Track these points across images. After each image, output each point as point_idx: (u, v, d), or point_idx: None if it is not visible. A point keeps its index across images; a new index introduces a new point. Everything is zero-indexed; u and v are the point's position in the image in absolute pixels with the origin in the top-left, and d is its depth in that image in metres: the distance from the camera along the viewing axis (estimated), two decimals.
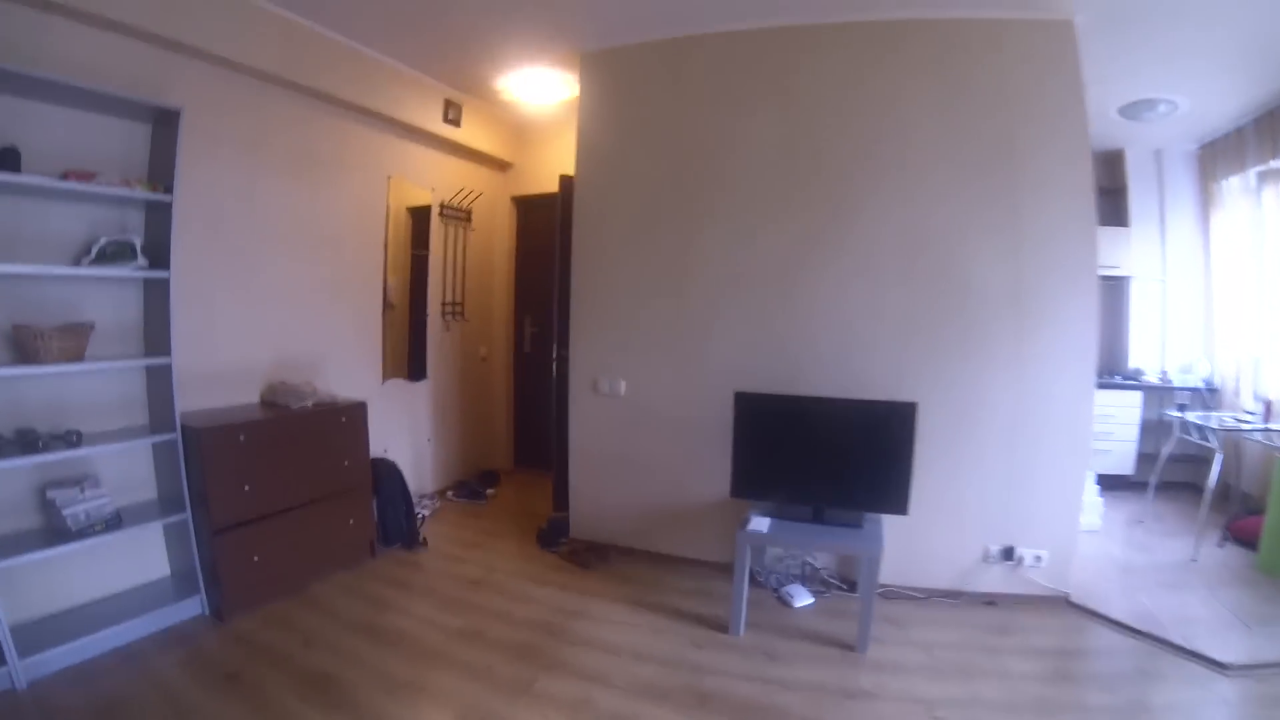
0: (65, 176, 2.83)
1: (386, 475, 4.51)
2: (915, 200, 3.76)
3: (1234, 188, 5.31)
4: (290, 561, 3.74)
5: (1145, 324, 5.96)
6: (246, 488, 3.43)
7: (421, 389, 5.42)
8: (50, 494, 2.94)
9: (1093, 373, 3.64)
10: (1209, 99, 4.65)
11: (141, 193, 3.08)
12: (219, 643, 3.21)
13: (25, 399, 2.92)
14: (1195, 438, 4.62)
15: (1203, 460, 4.80)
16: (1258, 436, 4.28)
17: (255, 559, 3.50)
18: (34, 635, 2.85)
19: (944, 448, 3.77)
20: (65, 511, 2.91)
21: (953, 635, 3.52)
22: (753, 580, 3.67)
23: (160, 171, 3.19)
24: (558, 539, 4.72)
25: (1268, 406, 4.22)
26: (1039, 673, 3.16)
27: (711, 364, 4.19)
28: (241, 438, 3.42)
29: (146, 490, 3.38)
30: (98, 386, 3.15)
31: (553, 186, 4.89)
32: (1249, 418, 4.41)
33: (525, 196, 6.26)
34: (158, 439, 3.24)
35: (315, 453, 3.87)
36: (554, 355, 4.89)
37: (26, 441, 2.80)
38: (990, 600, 3.83)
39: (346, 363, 4.61)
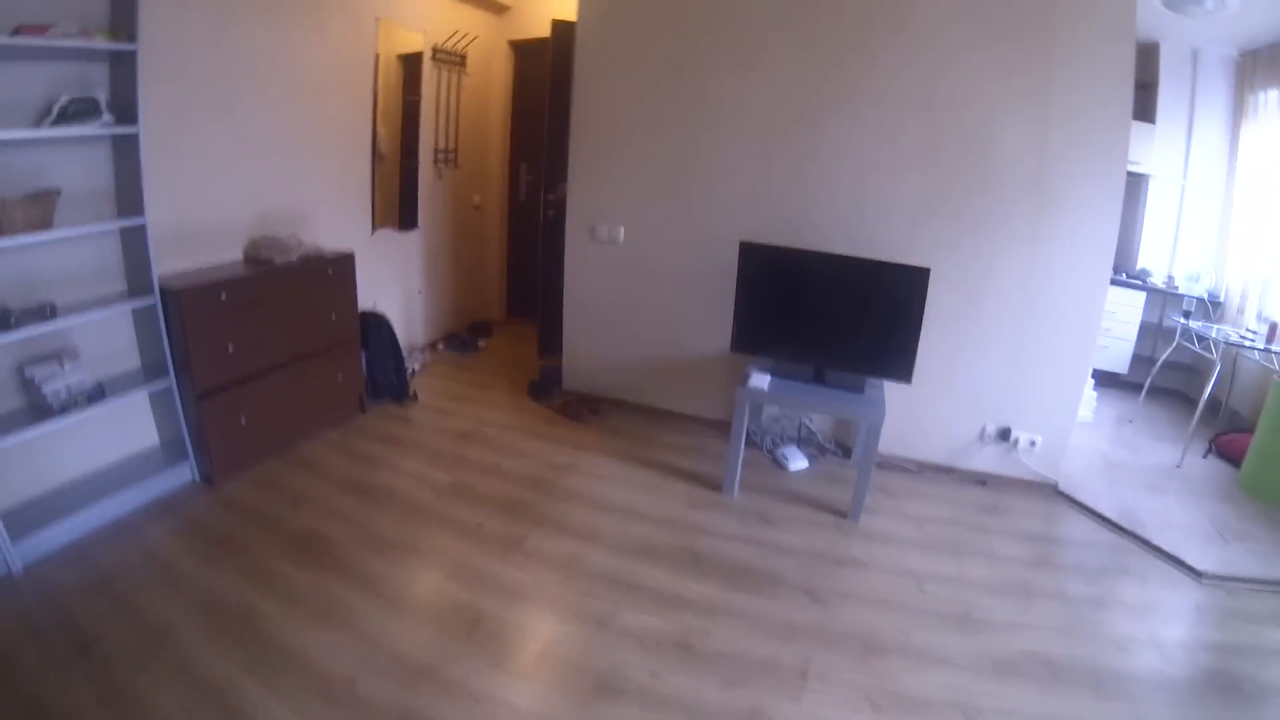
0: (17, 31, 2.50)
1: (375, 329, 4.41)
2: (939, 54, 3.52)
3: (1270, 101, 5.08)
4: (278, 421, 3.67)
5: (1158, 226, 5.81)
6: (231, 349, 3.30)
7: (412, 239, 5.25)
8: (29, 372, 2.79)
9: (1108, 267, 3.55)
10: (1262, 2, 4.41)
11: (102, 43, 2.75)
12: (209, 508, 3.19)
13: None
14: (1195, 347, 4.61)
15: (1197, 371, 4.83)
16: (1257, 356, 4.27)
17: (242, 421, 3.42)
18: (25, 518, 2.77)
19: (950, 322, 3.72)
20: (46, 388, 2.78)
21: (944, 511, 3.59)
22: (748, 441, 3.65)
23: (122, 19, 2.84)
24: (550, 391, 4.70)
25: (1272, 328, 4.18)
26: (1024, 557, 3.23)
27: (716, 212, 4.05)
28: (223, 296, 3.25)
29: (128, 359, 3.24)
30: (69, 255, 2.91)
31: None
32: (1251, 336, 4.39)
33: (523, 41, 5.89)
34: (136, 304, 3.05)
35: (301, 308, 3.73)
36: (542, 199, 4.77)
37: None
38: (982, 480, 3.89)
39: (334, 214, 4.39)
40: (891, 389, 3.58)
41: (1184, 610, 2.94)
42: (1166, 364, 4.96)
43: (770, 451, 4.05)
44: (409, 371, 4.73)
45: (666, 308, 4.29)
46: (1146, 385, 5.04)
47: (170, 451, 3.36)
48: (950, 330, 3.73)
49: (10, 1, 2.56)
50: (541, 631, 2.65)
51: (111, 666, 2.21)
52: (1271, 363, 4.09)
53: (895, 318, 3.45)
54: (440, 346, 5.63)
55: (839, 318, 3.61)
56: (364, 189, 4.65)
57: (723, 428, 3.80)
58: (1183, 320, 4.75)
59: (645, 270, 4.29)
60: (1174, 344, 4.82)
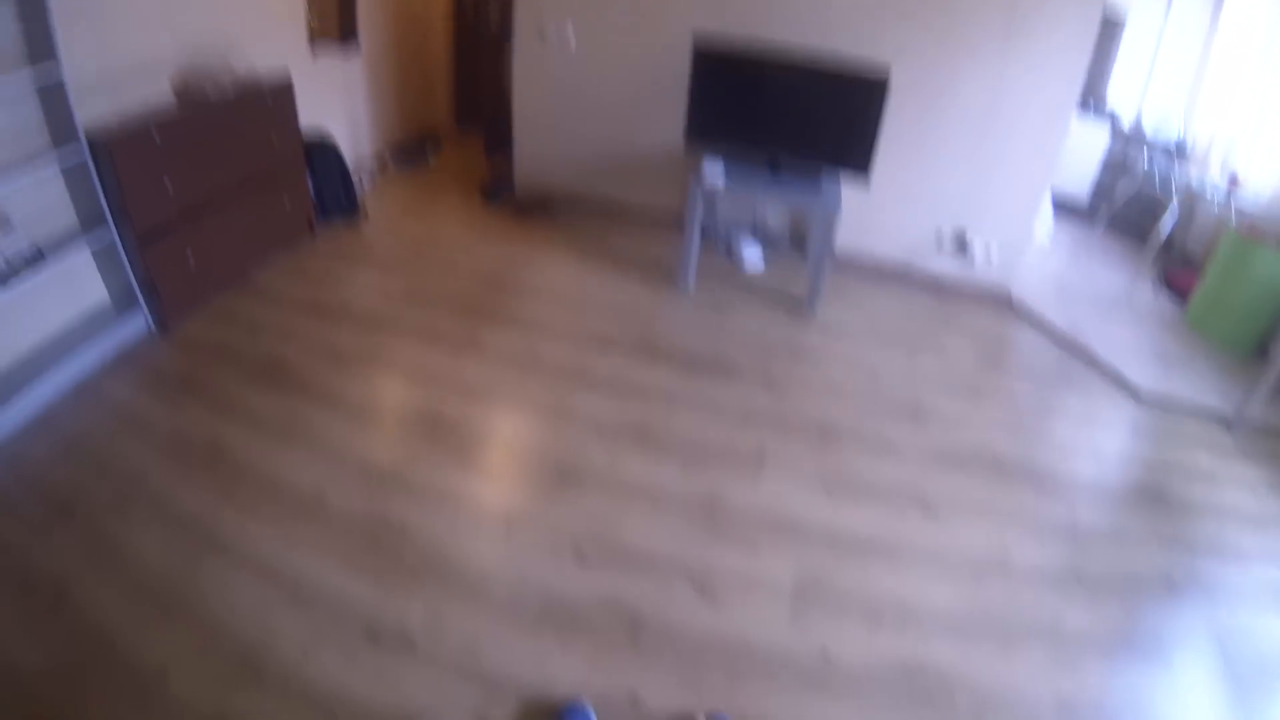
0: None
1: (320, 150, 4.16)
2: None
3: None
4: (227, 255, 3.49)
5: (1132, 63, 5.69)
6: (169, 188, 3.05)
7: (353, 51, 4.83)
8: None
9: (1074, 94, 3.49)
10: None
11: None
12: (167, 353, 3.06)
13: None
14: (1156, 188, 4.62)
15: (1155, 212, 4.84)
16: (1216, 205, 4.30)
17: (190, 260, 3.22)
18: None
19: (910, 123, 3.67)
20: None
21: (898, 310, 3.68)
22: (703, 237, 3.61)
23: None
24: (501, 193, 4.58)
25: (1233, 179, 4.19)
26: (974, 357, 3.34)
27: (668, 5, 3.83)
28: (156, 138, 2.97)
29: (64, 217, 2.94)
30: None
31: None
32: (1212, 184, 4.40)
33: None
34: (63, 159, 2.75)
35: (240, 138, 3.46)
36: None
37: None
38: (936, 285, 3.94)
39: (266, 33, 3.96)
40: (848, 187, 3.54)
41: (1122, 424, 3.05)
42: (1126, 200, 4.98)
43: (725, 246, 4.03)
44: (358, 188, 4.50)
45: (617, 102, 4.12)
46: (1104, 218, 5.07)
47: (121, 303, 3.17)
48: (909, 132, 3.68)
49: None
50: (501, 426, 2.68)
51: (92, 522, 2.18)
52: (1228, 212, 4.11)
53: (855, 112, 3.33)
54: (389, 162, 5.35)
55: (796, 110, 3.47)
56: (298, 6, 4.21)
57: (677, 221, 3.74)
58: (1146, 164, 4.72)
59: (596, 67, 4.09)
60: (1137, 185, 4.81)
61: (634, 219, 4.30)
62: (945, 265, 3.92)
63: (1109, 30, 5.34)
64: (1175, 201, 4.28)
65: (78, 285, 3.02)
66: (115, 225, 2.92)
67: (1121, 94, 5.72)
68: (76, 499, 2.25)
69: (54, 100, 2.70)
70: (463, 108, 6.20)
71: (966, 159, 3.68)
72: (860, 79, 3.26)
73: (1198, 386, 3.30)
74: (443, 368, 2.93)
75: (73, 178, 2.86)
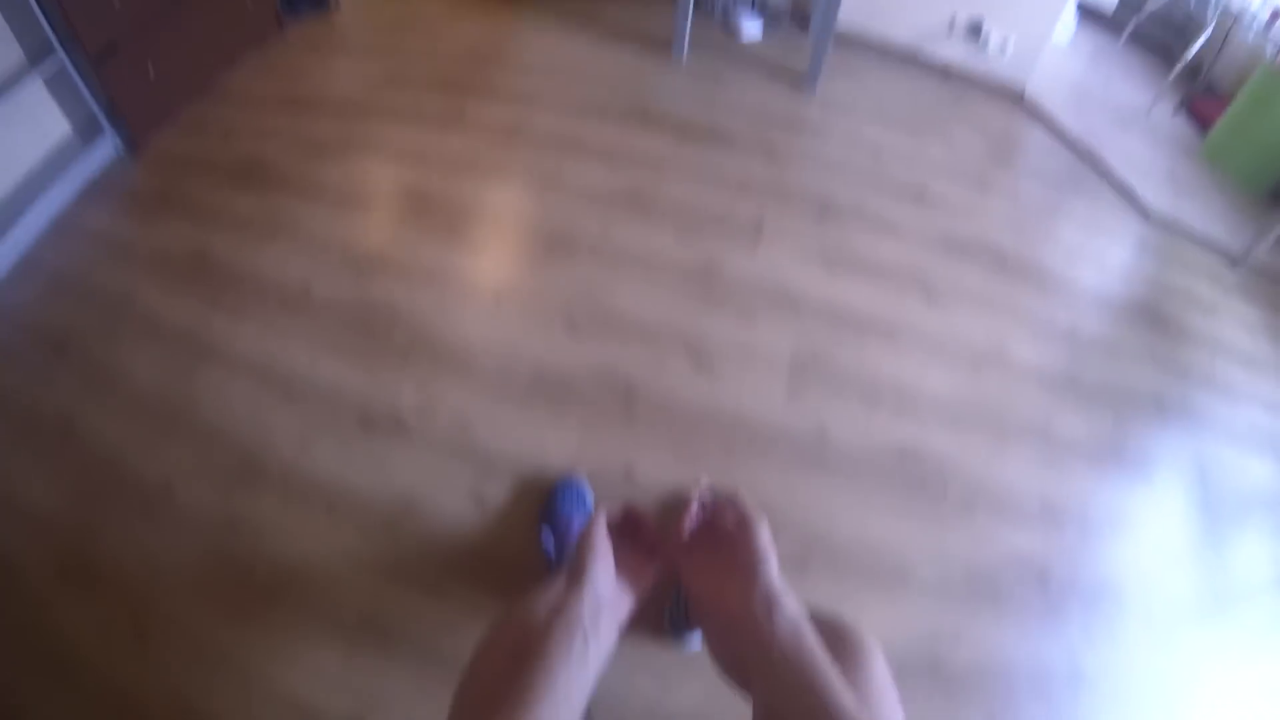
0: None
1: None
2: None
3: None
4: (190, 62, 3.10)
5: None
6: (115, 1, 2.65)
7: None
8: None
9: None
10: None
11: None
12: (140, 173, 2.81)
13: None
14: (1191, 4, 4.30)
15: (1186, 31, 4.55)
16: (1253, 33, 4.00)
17: (150, 73, 2.86)
18: None
19: None
20: None
21: (905, 93, 3.44)
22: (697, 5, 3.27)
23: None
24: None
25: (1276, 12, 3.88)
26: (982, 150, 3.16)
27: None
28: None
29: (7, 54, 2.59)
30: None
31: None
32: (1254, 12, 4.08)
33: None
34: None
35: None
36: None
37: None
38: (946, 72, 3.66)
39: None
40: None
41: (1128, 239, 2.94)
42: (1155, 14, 4.65)
43: (722, 18, 3.68)
44: None
45: None
46: (1129, 28, 4.75)
47: (85, 132, 2.86)
48: None
49: None
50: (489, 199, 2.55)
51: (87, 354, 2.11)
52: (1265, 44, 3.83)
53: None
54: None
55: None
56: None
57: None
58: None
59: None
60: None
61: None
62: (957, 52, 3.60)
63: None
64: (1209, 22, 3.97)
65: (37, 122, 2.77)
66: (64, 49, 2.64)
67: None
68: (69, 335, 2.18)
69: None
70: None
71: None
72: None
73: (1207, 217, 3.16)
74: (428, 146, 2.74)
75: (7, 5, 2.54)
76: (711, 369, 2.01)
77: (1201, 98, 4.14)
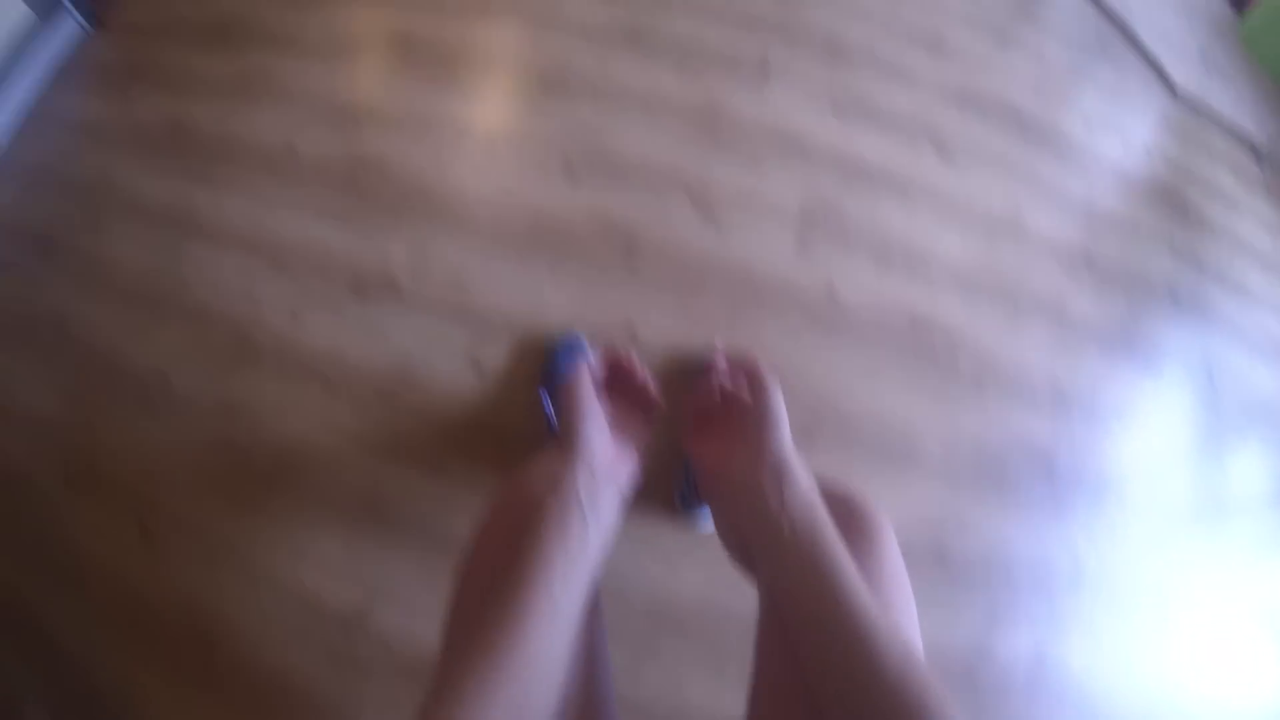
0: None
1: None
2: None
3: None
4: None
5: None
6: None
7: None
8: None
9: None
10: None
11: None
12: (108, 48, 2.57)
13: None
14: None
15: None
16: None
17: None
18: None
19: None
20: None
21: None
22: None
23: None
24: None
25: None
26: (1005, 3, 2.91)
27: None
28: None
29: None
30: None
31: None
32: None
33: None
34: None
35: None
36: None
37: None
38: None
39: None
40: None
41: (1152, 114, 2.76)
42: None
43: None
44: None
45: None
46: None
47: (44, 11, 2.57)
48: None
49: None
50: (479, 39, 2.34)
51: (74, 249, 2.04)
52: None
53: None
54: None
55: None
56: None
57: None
58: None
59: None
60: None
61: None
62: None
63: None
64: None
65: None
66: None
67: None
68: (53, 231, 2.10)
69: None
70: None
71: None
72: None
73: (1236, 105, 2.97)
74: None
75: None
76: (716, 218, 1.87)
77: None
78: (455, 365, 1.65)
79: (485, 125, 2.09)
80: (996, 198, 2.12)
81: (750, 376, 0.76)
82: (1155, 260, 2.20)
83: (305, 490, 1.54)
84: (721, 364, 0.79)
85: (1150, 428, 1.84)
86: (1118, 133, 2.56)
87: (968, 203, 2.08)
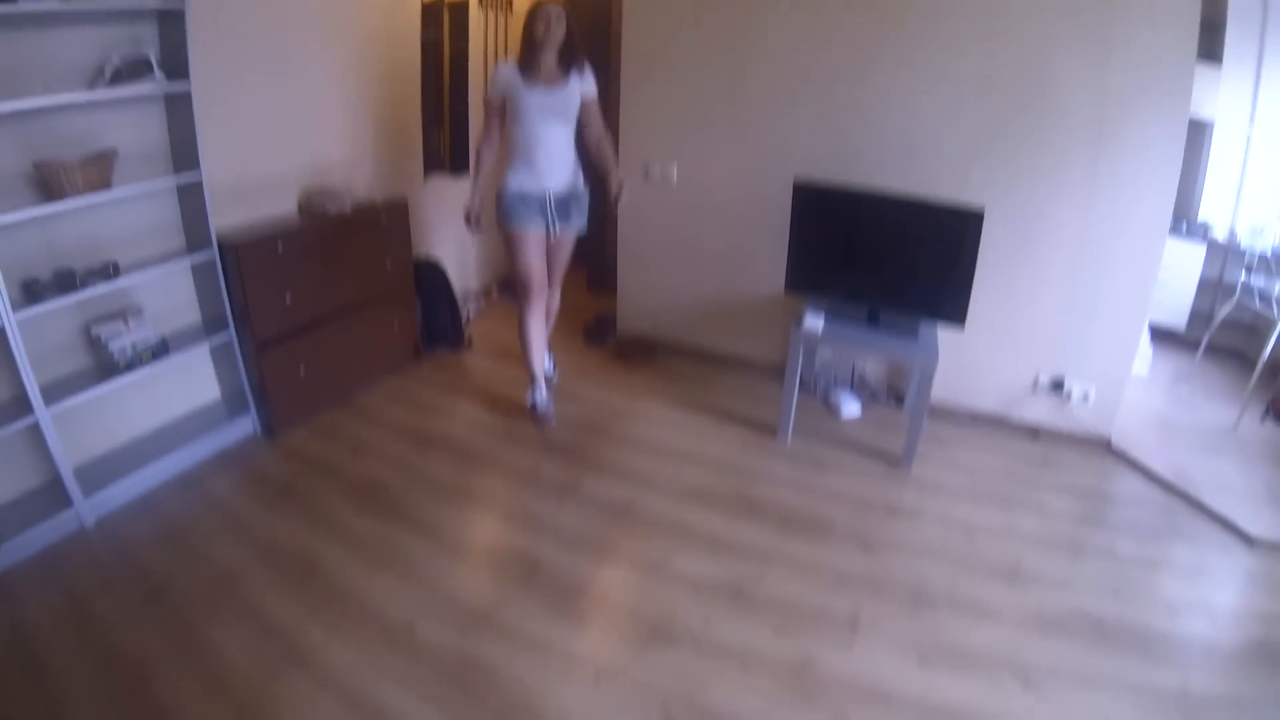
0: None
1: (430, 276, 4.41)
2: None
3: None
4: (336, 371, 3.71)
5: (1222, 175, 5.50)
6: (288, 300, 3.34)
7: (465, 184, 5.14)
8: (95, 330, 2.88)
9: (1167, 216, 3.40)
10: None
11: (152, 2, 2.73)
12: (271, 459, 3.24)
13: (58, 238, 2.72)
14: (1257, 305, 4.50)
15: (1257, 330, 4.68)
16: None
17: (301, 372, 3.47)
18: (96, 473, 2.90)
19: (1003, 264, 3.63)
20: (112, 346, 2.88)
21: (995, 462, 3.59)
22: (801, 385, 3.65)
23: None
24: (605, 335, 4.73)
25: None
26: (1074, 512, 3.22)
27: (769, 151, 4.00)
28: (280, 248, 3.28)
29: (189, 314, 3.30)
30: (129, 214, 2.96)
31: None
32: None
33: None
34: (195, 259, 3.10)
35: (356, 257, 3.75)
36: None
37: (65, 281, 2.66)
38: (1034, 432, 3.86)
39: (385, 161, 4.36)
40: (944, 336, 3.54)
41: (1234, 576, 2.91)
42: (1226, 322, 4.84)
43: (823, 396, 4.08)
44: (464, 318, 4.75)
45: (721, 247, 4.28)
46: (1204, 343, 4.93)
47: (232, 404, 3.43)
48: (1002, 272, 3.64)
49: None
50: (597, 577, 2.71)
51: (181, 612, 2.32)
52: None
53: (949, 258, 3.34)
54: (495, 293, 5.61)
55: (893, 257, 3.54)
56: (414, 136, 4.64)
57: (776, 371, 3.82)
58: (1244, 276, 4.62)
59: (699, 210, 4.27)
60: (1234, 301, 4.69)
61: (735, 366, 4.41)
62: (1041, 412, 3.86)
63: (1196, 141, 5.18)
64: (1278, 318, 4.14)
65: (194, 380, 3.32)
66: (235, 328, 3.21)
67: (1213, 208, 5.52)
68: (169, 586, 2.38)
69: (192, 205, 3.06)
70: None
71: (1061, 300, 3.64)
72: (957, 210, 3.30)
73: None
74: (541, 511, 3.02)
75: (201, 278, 3.20)
76: None
77: None
78: None
79: (593, 660, 2.29)
80: (1083, 716, 2.20)
81: None
82: None
83: None
84: None
85: None
86: (1202, 608, 2.68)
87: None
